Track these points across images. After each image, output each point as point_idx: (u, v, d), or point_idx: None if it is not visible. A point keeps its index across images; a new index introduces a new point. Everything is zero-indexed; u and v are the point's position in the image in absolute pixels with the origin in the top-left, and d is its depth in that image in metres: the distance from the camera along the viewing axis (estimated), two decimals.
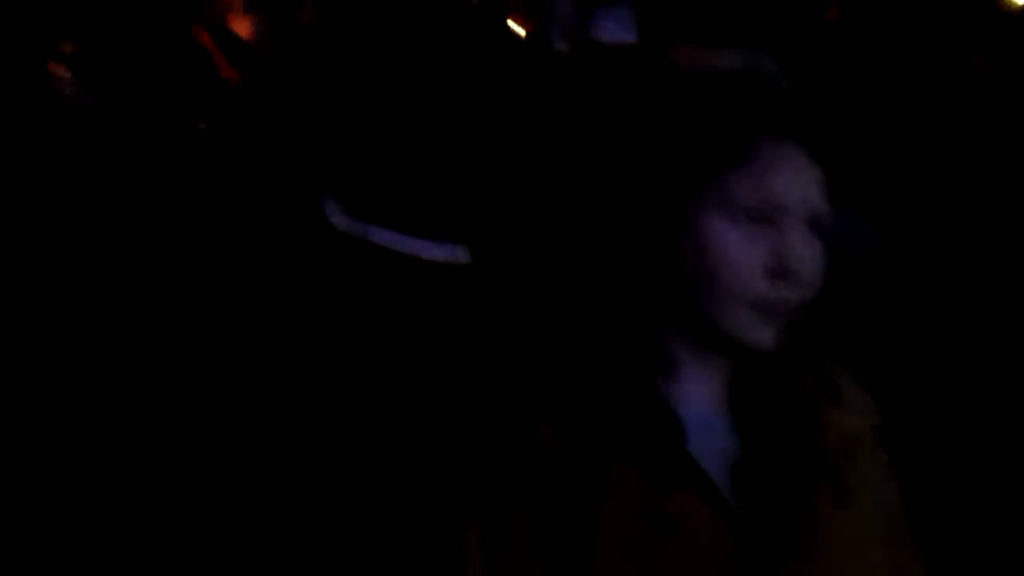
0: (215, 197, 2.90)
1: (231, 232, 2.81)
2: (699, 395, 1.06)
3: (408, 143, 2.57)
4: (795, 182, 1.02)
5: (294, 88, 2.85)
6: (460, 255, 2.60)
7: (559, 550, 0.98)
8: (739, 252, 1.01)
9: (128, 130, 3.07)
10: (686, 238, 1.02)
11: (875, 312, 2.18)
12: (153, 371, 2.75)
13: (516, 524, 0.99)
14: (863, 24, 3.20)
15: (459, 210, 2.61)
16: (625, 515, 0.98)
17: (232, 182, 2.91)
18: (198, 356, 2.72)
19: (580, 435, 1.00)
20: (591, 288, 1.05)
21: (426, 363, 2.28)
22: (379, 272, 2.53)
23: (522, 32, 4.13)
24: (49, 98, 3.08)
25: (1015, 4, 5.14)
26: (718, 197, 1.02)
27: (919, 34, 3.20)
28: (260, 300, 2.63)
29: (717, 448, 1.04)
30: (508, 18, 4.21)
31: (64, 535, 2.57)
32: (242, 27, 3.29)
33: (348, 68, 2.66)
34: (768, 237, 1.01)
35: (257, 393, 2.53)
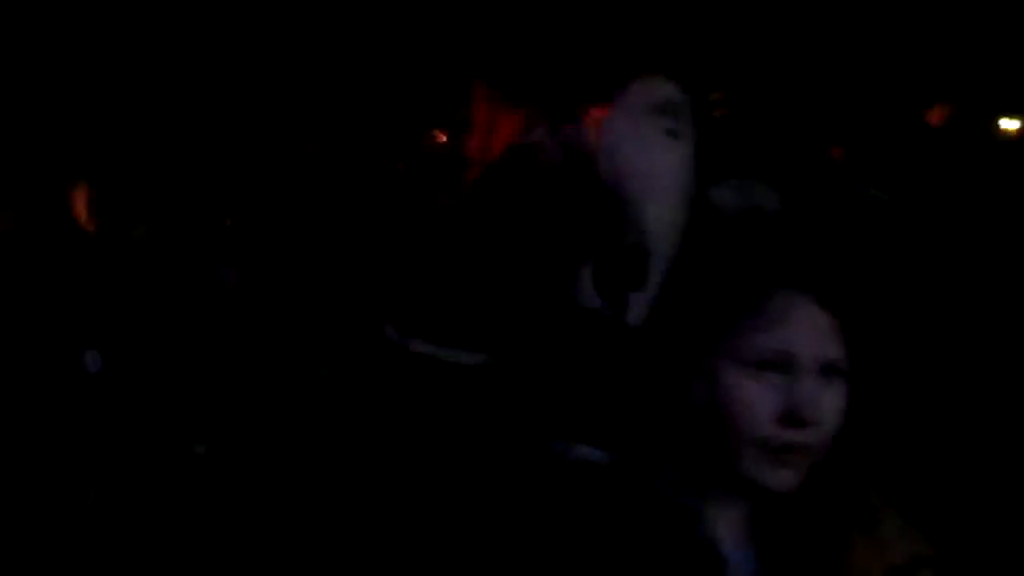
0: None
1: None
2: (727, 536, 1.10)
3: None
4: (806, 333, 1.07)
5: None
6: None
7: None
8: (752, 399, 1.05)
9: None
10: (701, 385, 1.08)
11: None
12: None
13: None
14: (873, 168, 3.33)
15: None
16: None
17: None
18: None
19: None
20: (620, 433, 1.15)
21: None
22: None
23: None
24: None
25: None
26: (732, 346, 1.07)
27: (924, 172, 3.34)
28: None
29: None
30: None
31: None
32: None
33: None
34: (781, 385, 1.06)
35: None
